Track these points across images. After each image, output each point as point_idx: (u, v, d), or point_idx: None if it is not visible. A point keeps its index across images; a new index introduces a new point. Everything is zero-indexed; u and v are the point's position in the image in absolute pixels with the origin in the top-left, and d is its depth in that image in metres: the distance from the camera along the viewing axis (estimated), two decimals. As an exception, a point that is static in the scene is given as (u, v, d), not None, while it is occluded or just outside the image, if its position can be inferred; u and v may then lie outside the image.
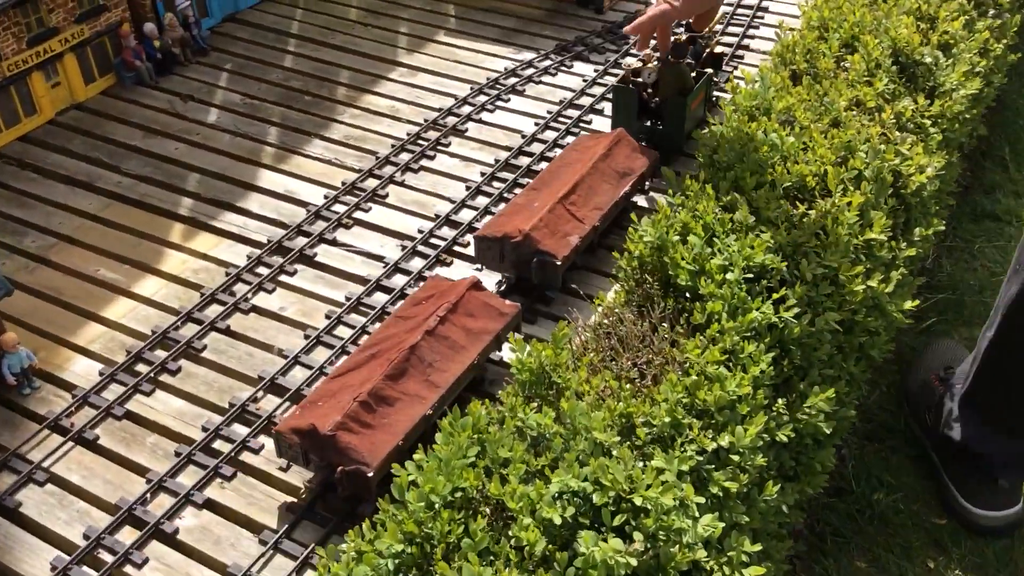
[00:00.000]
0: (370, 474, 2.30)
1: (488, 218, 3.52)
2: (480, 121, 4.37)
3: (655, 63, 3.80)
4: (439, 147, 4.19)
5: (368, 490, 2.34)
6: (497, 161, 4.04)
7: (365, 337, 2.92)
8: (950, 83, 4.00)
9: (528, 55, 4.91)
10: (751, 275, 2.69)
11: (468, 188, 3.88)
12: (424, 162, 4.09)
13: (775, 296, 2.65)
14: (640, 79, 3.86)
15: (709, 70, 3.96)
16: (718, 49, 4.30)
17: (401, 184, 3.95)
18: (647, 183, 3.59)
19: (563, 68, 4.78)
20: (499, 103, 4.50)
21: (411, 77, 4.77)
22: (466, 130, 4.30)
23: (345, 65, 4.87)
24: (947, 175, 4.24)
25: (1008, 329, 2.94)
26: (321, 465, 2.42)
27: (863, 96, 3.64)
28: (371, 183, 3.94)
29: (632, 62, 4.12)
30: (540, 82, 4.67)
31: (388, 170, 4.03)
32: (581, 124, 4.31)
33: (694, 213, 2.95)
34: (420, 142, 4.22)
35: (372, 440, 2.38)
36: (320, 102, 4.57)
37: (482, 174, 3.97)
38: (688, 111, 3.76)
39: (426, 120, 4.37)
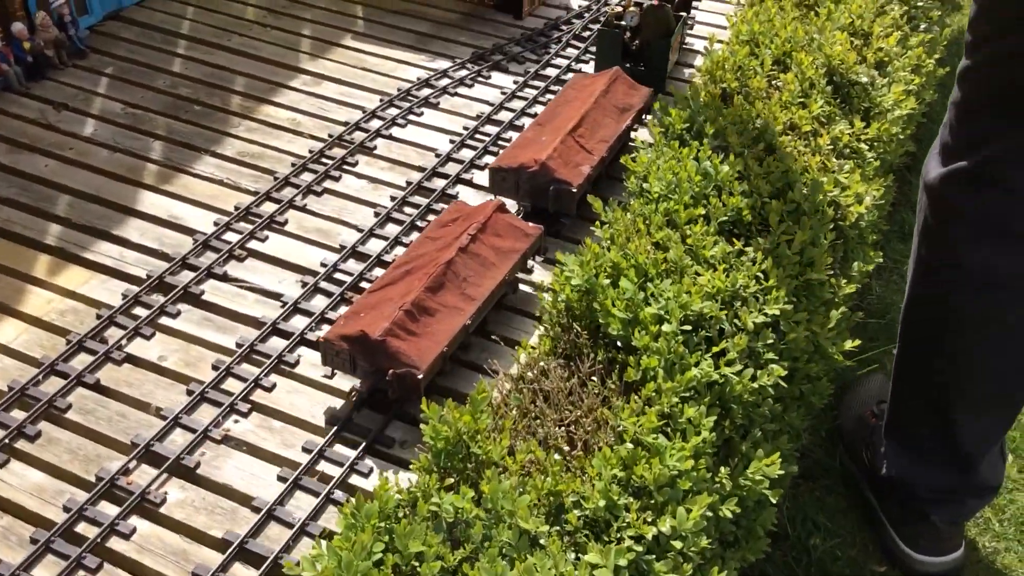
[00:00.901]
0: (420, 376, 2.55)
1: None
2: (390, 137, 4.08)
3: (634, 7, 4.08)
4: (345, 166, 3.89)
5: (417, 391, 2.57)
6: (409, 184, 3.77)
7: (258, 391, 2.67)
8: (886, 104, 3.90)
9: (443, 63, 4.64)
10: (688, 326, 2.50)
11: (377, 214, 3.60)
12: (328, 184, 3.79)
13: (715, 349, 2.46)
14: (623, 23, 4.16)
15: (683, 14, 4.26)
16: None
17: (302, 209, 3.64)
18: (644, 117, 3.85)
19: (480, 79, 4.54)
20: (411, 117, 4.23)
21: (315, 86, 4.45)
22: (375, 147, 4.01)
23: (241, 71, 4.52)
24: (885, 197, 4.16)
25: (904, 337, 2.84)
26: (369, 371, 2.63)
27: (798, 119, 3.49)
28: (268, 207, 3.62)
29: (615, 5, 4.52)
30: (456, 94, 4.41)
31: (288, 192, 3.71)
32: (500, 142, 4.07)
33: (625, 252, 2.75)
34: (324, 160, 3.91)
35: (419, 346, 2.62)
36: (212, 113, 4.21)
37: (392, 198, 3.70)
38: (668, 55, 4.08)
39: (331, 135, 4.06)
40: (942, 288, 2.65)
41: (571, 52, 4.80)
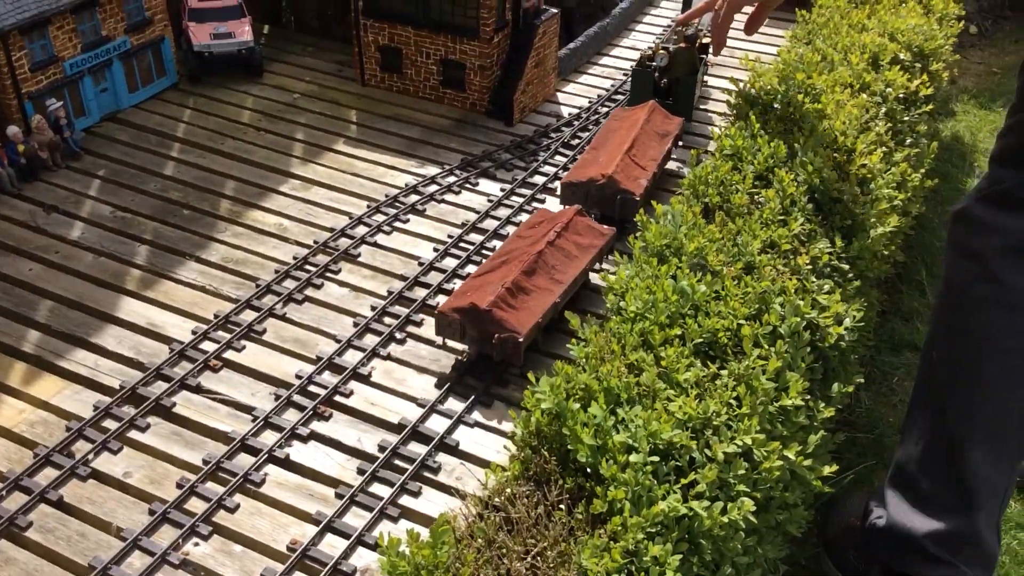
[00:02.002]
0: (520, 339, 3.15)
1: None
2: (375, 244, 4.12)
3: (662, 51, 4.92)
4: (328, 274, 3.92)
5: (518, 354, 3.19)
6: (390, 293, 3.79)
7: (220, 512, 2.86)
8: (868, 221, 3.93)
9: (432, 169, 4.72)
10: (657, 456, 2.47)
11: (356, 324, 3.61)
12: (310, 291, 3.81)
13: (684, 480, 2.42)
14: (653, 63, 4.91)
15: (703, 56, 5.02)
16: (705, 40, 5.15)
17: (282, 318, 3.65)
18: (680, 142, 4.69)
19: (468, 185, 4.60)
20: (397, 223, 4.28)
21: (304, 191, 4.51)
22: (359, 255, 4.04)
23: (233, 175, 4.60)
24: (866, 316, 4.16)
25: (925, 370, 2.86)
26: (476, 338, 3.25)
27: (777, 238, 3.52)
28: (248, 316, 3.64)
29: (646, 49, 5.27)
30: (443, 201, 4.47)
31: (269, 300, 3.73)
32: (484, 250, 4.11)
33: (597, 375, 2.74)
34: (308, 267, 3.95)
35: (518, 316, 3.24)
36: (200, 217, 4.27)
37: (372, 308, 3.71)
38: (695, 89, 4.87)
39: (316, 242, 4.11)
40: (972, 306, 2.60)
41: (559, 159, 4.88)
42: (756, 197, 4.11)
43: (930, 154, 5.30)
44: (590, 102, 5.51)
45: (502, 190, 4.56)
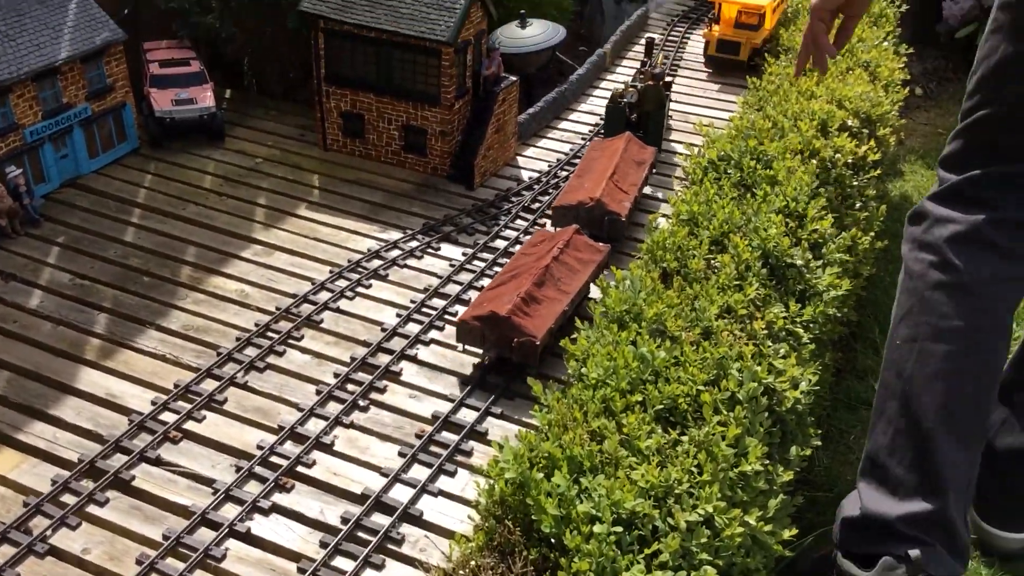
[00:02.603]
0: (537, 343, 3.54)
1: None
2: (337, 310, 4.14)
3: (632, 88, 5.53)
4: (290, 340, 3.93)
5: (534, 356, 3.58)
6: (353, 359, 3.80)
7: None
8: (821, 285, 4.04)
9: (394, 234, 4.77)
10: (620, 526, 2.50)
11: (318, 392, 3.61)
12: (272, 359, 3.81)
13: (647, 551, 2.45)
14: (624, 100, 5.50)
15: (667, 93, 5.77)
16: (668, 78, 6.06)
17: (243, 386, 3.64)
18: (654, 169, 5.26)
19: (430, 250, 4.66)
20: (359, 289, 4.31)
21: (266, 256, 4.53)
22: (321, 321, 4.06)
23: (194, 241, 4.60)
24: (821, 378, 4.25)
25: (889, 360, 3.00)
26: (495, 343, 3.63)
27: (734, 303, 3.61)
28: (209, 385, 3.63)
29: (618, 87, 5.78)
30: (405, 266, 4.52)
31: (230, 368, 3.73)
32: (447, 315, 4.15)
33: (560, 443, 2.77)
34: (269, 334, 3.95)
35: (534, 323, 3.62)
36: (161, 284, 4.26)
37: (335, 375, 3.72)
38: (663, 121, 5.59)
39: (278, 308, 4.12)
40: (930, 290, 2.74)
41: (520, 223, 4.96)
42: (712, 262, 4.22)
43: (878, 216, 5.47)
44: (549, 166, 5.62)
45: (464, 254, 4.61)
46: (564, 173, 5.53)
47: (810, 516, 4.04)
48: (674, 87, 6.71)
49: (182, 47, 5.77)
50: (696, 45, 7.42)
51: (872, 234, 5.09)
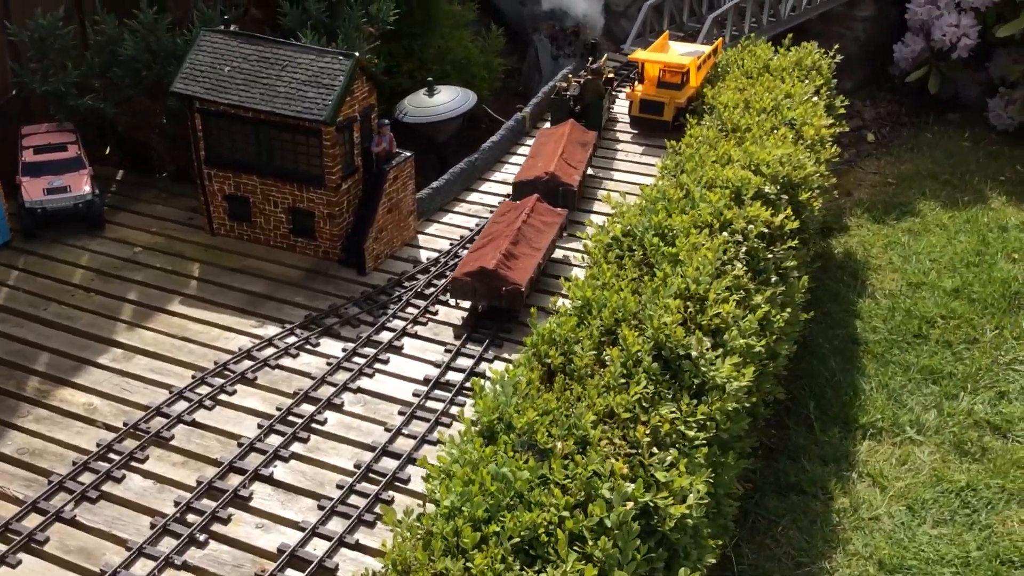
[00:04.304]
0: (523, 289, 4.71)
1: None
2: (193, 423, 3.83)
3: (576, 82, 6.86)
4: (133, 462, 3.60)
5: (520, 302, 4.70)
6: (200, 483, 3.48)
7: None
8: (720, 377, 3.76)
9: (271, 329, 4.47)
10: None
11: (153, 526, 3.28)
12: (108, 486, 3.48)
13: None
14: (568, 92, 6.81)
15: (609, 87, 7.08)
16: (610, 75, 7.33)
17: (70, 521, 3.31)
18: (595, 151, 6.52)
19: (308, 346, 4.36)
20: (222, 396, 4.00)
21: (125, 361, 4.22)
22: (172, 437, 3.74)
23: (49, 347, 4.29)
24: (726, 479, 3.95)
25: None
26: (485, 294, 4.61)
27: (617, 405, 3.32)
28: (33, 520, 3.30)
29: (560, 81, 7.19)
30: (277, 366, 4.21)
31: (59, 500, 3.40)
32: (314, 424, 3.84)
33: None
34: (112, 455, 3.63)
35: (516, 274, 4.74)
36: (2, 400, 3.94)
37: (176, 503, 3.39)
38: (602, 110, 6.87)
39: (126, 423, 3.80)
40: None
41: (411, 311, 4.68)
42: (602, 355, 3.94)
43: (800, 288, 5.20)
44: (451, 244, 5.36)
45: (344, 350, 4.32)
46: (465, 252, 5.27)
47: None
48: (599, 151, 6.51)
49: (63, 130, 5.51)
50: (624, 104, 7.22)
51: (789, 311, 4.83)
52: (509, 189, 6.01)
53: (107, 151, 6.48)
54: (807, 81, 6.79)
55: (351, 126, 4.88)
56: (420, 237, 5.44)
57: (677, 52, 7.31)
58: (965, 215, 8.09)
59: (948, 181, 8.91)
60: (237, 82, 4.82)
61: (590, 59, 7.09)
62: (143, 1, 5.42)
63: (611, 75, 7.15)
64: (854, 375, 6.04)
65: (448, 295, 4.68)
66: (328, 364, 4.23)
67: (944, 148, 9.74)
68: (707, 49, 7.21)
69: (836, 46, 7.43)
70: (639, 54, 7.09)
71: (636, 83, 7.08)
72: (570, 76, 7.02)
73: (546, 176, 5.56)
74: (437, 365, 4.28)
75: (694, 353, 3.80)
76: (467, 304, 4.71)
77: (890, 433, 5.54)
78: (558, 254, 5.52)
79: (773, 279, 4.79)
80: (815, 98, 6.56)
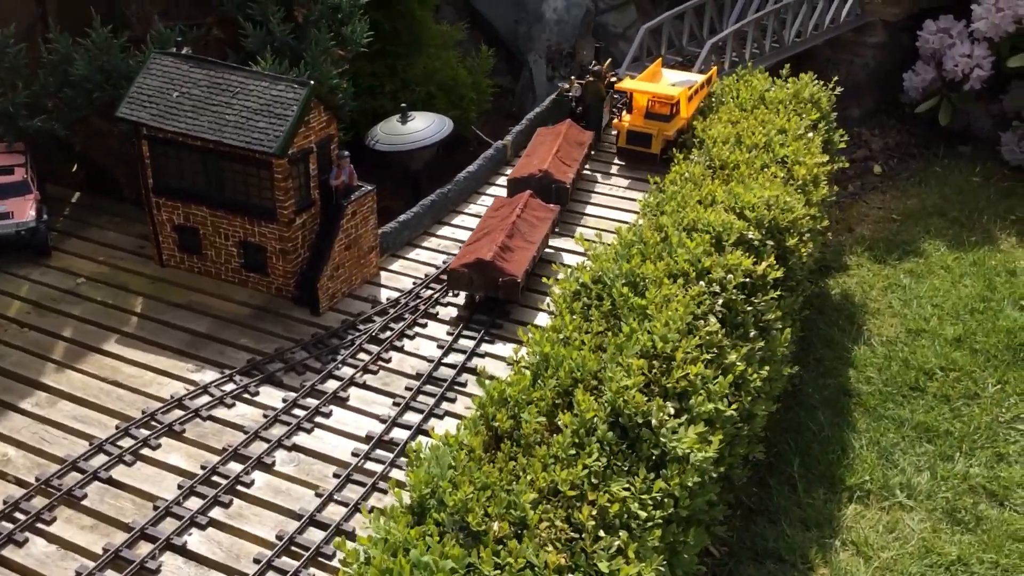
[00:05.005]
0: (519, 281, 4.99)
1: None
2: (109, 481, 3.59)
3: (578, 84, 7.10)
4: (39, 524, 3.36)
5: (517, 293, 4.98)
6: (106, 550, 3.24)
7: None
8: (682, 448, 3.49)
9: (210, 374, 4.23)
10: None
11: (47, 602, 3.04)
12: (9, 551, 3.25)
13: None
14: (570, 94, 7.12)
15: (611, 90, 7.24)
16: (613, 79, 7.39)
17: (-43, 593, 3.07)
18: (592, 151, 6.82)
19: (247, 395, 4.12)
20: (145, 450, 3.75)
21: (48, 407, 3.98)
22: (84, 496, 3.50)
23: (-31, 389, 4.06)
24: (685, 558, 3.67)
25: None
26: (482, 285, 4.92)
27: (561, 482, 3.05)
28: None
29: (563, 83, 7.57)
30: (210, 417, 3.97)
31: (-52, 569, 3.16)
32: (239, 487, 3.60)
33: None
34: (18, 514, 3.39)
35: (512, 265, 5.01)
36: (-91, 448, 3.71)
37: (78, 574, 3.14)
38: (602, 112, 7.09)
39: (38, 479, 3.56)
40: None
41: (362, 357, 4.43)
42: (555, 419, 3.68)
43: (783, 342, 4.90)
44: (415, 283, 5.11)
45: (284, 400, 4.08)
46: (428, 292, 5.03)
47: None
48: (582, 183, 6.28)
49: (12, 152, 5.31)
50: (612, 134, 6.98)
51: (768, 368, 4.55)
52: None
53: (74, 169, 6.29)
54: (803, 116, 6.52)
55: (306, 158, 4.64)
56: (383, 274, 5.20)
57: (668, 81, 7.06)
58: (972, 257, 7.79)
59: (956, 219, 8.61)
60: (185, 108, 4.59)
61: (593, 62, 7.34)
62: (97, 19, 5.22)
63: (614, 78, 7.27)
64: (844, 430, 5.74)
65: (445, 287, 4.94)
66: (265, 416, 3.98)
67: (953, 183, 9.44)
68: (700, 79, 6.96)
69: (835, 78, 7.15)
70: (627, 83, 6.85)
71: (624, 112, 6.83)
72: (573, 78, 7.25)
73: (539, 174, 5.81)
74: (383, 420, 4.03)
75: (654, 421, 3.54)
76: (427, 352, 4.47)
77: (879, 496, 5.24)
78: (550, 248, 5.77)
79: (752, 333, 4.51)
80: (810, 134, 6.30)
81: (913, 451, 5.57)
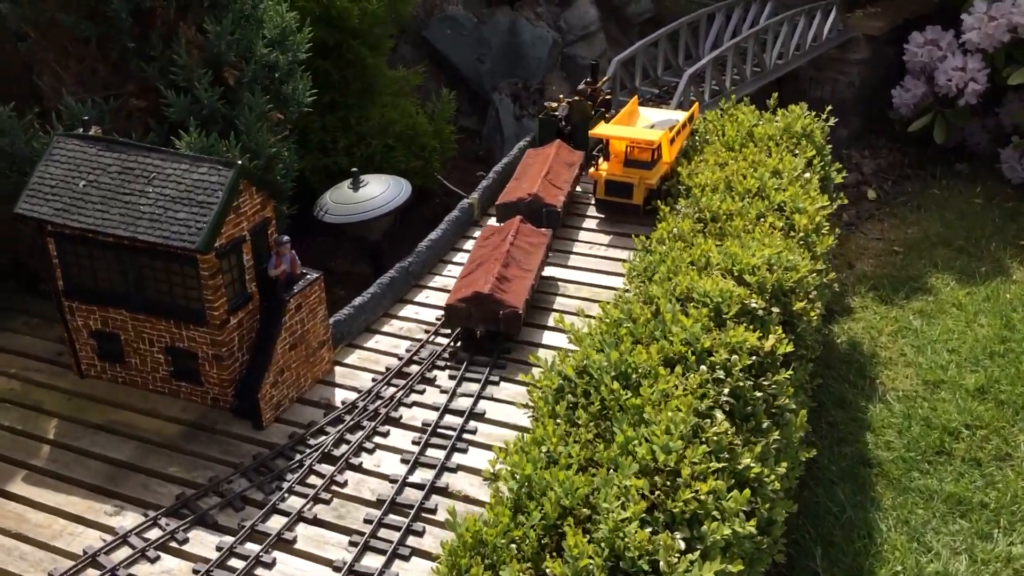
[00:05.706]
0: (520, 312, 4.82)
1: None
2: None
3: (564, 103, 6.76)
4: None
5: (518, 324, 4.82)
6: None
7: None
8: (694, 599, 2.93)
9: (130, 518, 3.63)
10: None
11: None
12: None
13: None
14: (557, 114, 6.74)
15: (602, 109, 6.94)
16: (608, 96, 7.16)
17: None
18: (582, 172, 6.42)
19: (173, 543, 3.51)
20: (49, 630, 3.14)
21: (-67, 577, 3.37)
22: None
23: None
24: None
25: None
26: (481, 319, 4.76)
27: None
28: None
29: (550, 102, 7.03)
30: (129, 576, 3.37)
31: None
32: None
33: None
34: None
35: (512, 296, 4.86)
36: None
37: None
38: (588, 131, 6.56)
39: None
40: None
41: (314, 481, 3.84)
42: (541, 565, 3.11)
43: (798, 428, 4.34)
44: (375, 379, 4.52)
45: (219, 548, 3.48)
46: (392, 390, 4.45)
47: None
48: (555, 243, 5.75)
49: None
50: (590, 183, 6.45)
51: (785, 464, 4.00)
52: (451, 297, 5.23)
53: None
54: (797, 154, 6.01)
55: (238, 248, 4.06)
56: (337, 370, 4.60)
57: (648, 120, 6.54)
58: (984, 291, 7.28)
59: (962, 248, 8.12)
60: (93, 200, 4.00)
61: (586, 79, 7.13)
62: (-6, 97, 4.65)
63: (608, 96, 7.13)
64: (868, 509, 5.17)
65: (444, 323, 4.83)
66: (194, 572, 3.38)
67: (954, 207, 8.97)
68: (682, 117, 6.44)
69: (829, 107, 6.66)
70: (602, 128, 6.32)
71: (600, 160, 6.30)
72: (561, 96, 6.98)
73: (529, 198, 5.62)
74: (336, 568, 3.43)
75: (662, 564, 2.98)
76: (389, 468, 3.85)
77: (915, 590, 4.70)
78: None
79: (765, 424, 3.96)
80: (807, 174, 5.80)
81: (947, 529, 5.01)
